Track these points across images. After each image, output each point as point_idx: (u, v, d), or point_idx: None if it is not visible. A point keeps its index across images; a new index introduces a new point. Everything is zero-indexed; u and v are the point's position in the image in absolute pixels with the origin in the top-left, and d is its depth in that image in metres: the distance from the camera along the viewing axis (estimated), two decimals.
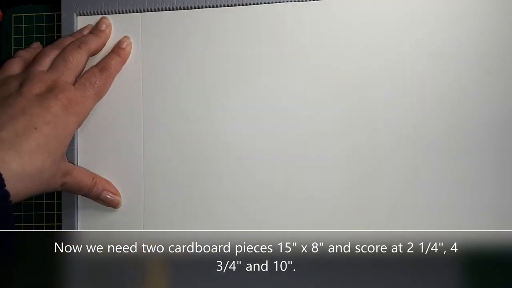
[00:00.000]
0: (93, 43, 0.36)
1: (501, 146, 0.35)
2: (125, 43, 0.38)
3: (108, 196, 0.36)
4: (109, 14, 0.39)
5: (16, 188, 0.27)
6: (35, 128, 0.30)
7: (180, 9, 0.38)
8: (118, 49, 0.37)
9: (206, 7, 0.38)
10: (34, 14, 0.41)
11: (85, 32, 0.38)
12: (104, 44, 0.38)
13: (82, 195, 0.36)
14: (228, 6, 0.38)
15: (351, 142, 0.36)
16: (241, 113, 0.37)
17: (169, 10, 0.38)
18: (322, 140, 0.36)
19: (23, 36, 0.41)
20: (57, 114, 0.31)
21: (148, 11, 0.38)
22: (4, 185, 0.26)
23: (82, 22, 0.39)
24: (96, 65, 0.36)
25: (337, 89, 0.36)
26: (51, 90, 0.32)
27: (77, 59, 0.35)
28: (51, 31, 0.41)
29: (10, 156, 0.28)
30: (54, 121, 0.31)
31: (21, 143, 0.28)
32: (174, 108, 0.37)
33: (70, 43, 0.36)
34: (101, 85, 0.36)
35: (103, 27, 0.38)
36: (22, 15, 0.42)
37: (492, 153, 0.35)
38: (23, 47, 0.41)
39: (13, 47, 0.41)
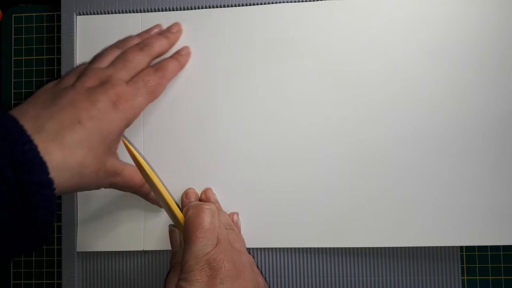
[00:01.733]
0: (157, 46, 0.36)
1: (502, 146, 0.35)
2: (184, 52, 0.37)
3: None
4: (109, 14, 0.39)
5: (57, 179, 0.27)
6: (79, 122, 0.29)
7: (180, 9, 0.38)
8: (177, 55, 0.37)
9: (206, 7, 0.38)
10: (34, 14, 0.42)
11: (153, 31, 0.38)
12: (170, 48, 0.37)
13: (131, 193, 0.35)
14: (228, 6, 0.38)
15: (351, 142, 0.36)
16: (241, 113, 0.37)
17: (169, 10, 0.38)
18: (322, 141, 0.36)
19: (23, 36, 0.41)
20: (103, 110, 0.31)
21: (148, 11, 0.38)
22: (49, 173, 0.26)
23: (81, 22, 0.39)
24: (152, 65, 0.36)
25: (337, 90, 0.36)
26: (103, 84, 0.32)
27: (137, 60, 0.34)
28: (51, 31, 0.41)
29: (52, 147, 0.27)
30: (99, 116, 0.30)
31: (64, 136, 0.28)
32: (174, 107, 0.37)
33: (134, 45, 0.35)
34: (154, 85, 0.34)
35: (174, 29, 0.37)
36: (22, 15, 0.42)
37: (493, 153, 0.35)
38: (23, 47, 0.41)
39: (13, 47, 0.41)
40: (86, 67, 0.34)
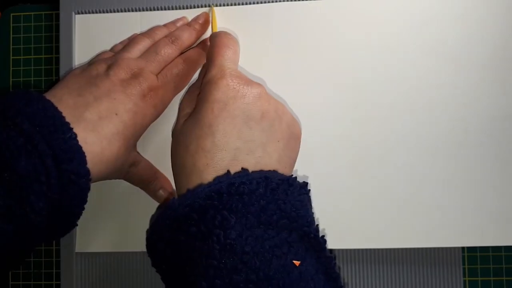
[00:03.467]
0: (186, 39, 0.36)
1: (505, 147, 0.35)
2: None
3: (163, 194, 0.36)
4: (108, 12, 0.38)
5: (92, 170, 0.27)
6: (116, 114, 0.29)
7: (180, 8, 0.38)
8: (204, 44, 0.37)
9: (205, 6, 0.38)
10: (32, 13, 0.41)
11: (179, 23, 0.37)
12: (197, 39, 0.37)
13: (140, 187, 0.36)
14: (227, 5, 0.37)
15: (351, 143, 0.36)
16: None
17: (169, 9, 0.38)
18: (322, 142, 0.36)
19: (22, 35, 0.41)
20: (138, 103, 0.31)
21: (147, 10, 0.38)
22: (86, 163, 0.26)
23: (80, 20, 0.39)
24: (180, 56, 0.35)
25: (337, 91, 0.36)
26: (136, 77, 0.32)
27: (168, 54, 0.34)
28: (49, 30, 0.41)
29: (91, 138, 0.27)
30: (134, 109, 0.30)
31: (103, 127, 0.28)
32: (173, 107, 0.37)
33: (165, 37, 0.35)
34: (182, 77, 0.35)
35: (201, 20, 0.37)
36: (21, 14, 0.41)
37: (496, 154, 0.35)
38: (22, 46, 0.41)
39: (11, 46, 0.41)
40: (117, 56, 0.33)
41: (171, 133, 0.37)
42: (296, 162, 0.36)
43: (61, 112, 0.27)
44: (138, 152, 0.35)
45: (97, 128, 0.28)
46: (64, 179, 0.25)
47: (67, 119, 0.27)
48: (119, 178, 0.33)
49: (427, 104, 0.36)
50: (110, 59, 0.33)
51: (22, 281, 0.40)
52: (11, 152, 0.24)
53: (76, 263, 0.38)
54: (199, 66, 0.37)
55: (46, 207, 0.25)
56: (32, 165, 0.24)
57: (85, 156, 0.26)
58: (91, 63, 0.33)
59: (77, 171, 0.26)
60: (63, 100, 0.28)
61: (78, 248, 0.37)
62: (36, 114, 0.26)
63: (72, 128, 0.26)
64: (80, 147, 0.26)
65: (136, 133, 0.31)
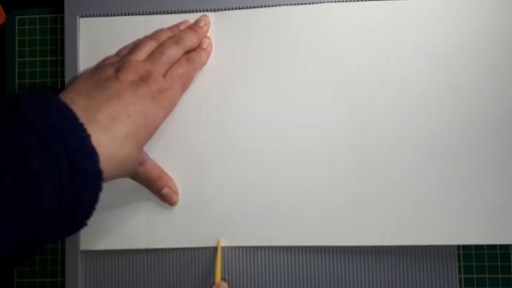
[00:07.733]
0: (189, 41, 0.36)
1: (499, 145, 0.36)
2: (207, 43, 0.38)
3: (168, 193, 0.36)
4: (112, 16, 0.39)
5: (105, 171, 0.27)
6: (128, 116, 0.29)
7: (183, 12, 0.38)
8: (200, 48, 0.38)
9: (208, 10, 0.38)
10: (37, 16, 0.42)
11: (182, 26, 0.38)
12: (199, 41, 0.38)
13: (144, 186, 0.36)
14: (230, 9, 0.38)
15: (349, 143, 0.36)
16: (241, 114, 0.37)
17: (172, 13, 0.39)
18: (322, 141, 0.37)
19: (27, 38, 0.42)
20: (148, 105, 0.31)
21: (150, 14, 0.39)
22: (99, 163, 0.26)
23: (85, 24, 0.39)
24: (183, 56, 0.36)
25: (338, 91, 0.37)
26: (144, 80, 0.32)
27: (173, 54, 0.35)
28: (54, 33, 0.42)
29: (104, 139, 0.28)
30: (145, 111, 0.31)
31: (115, 128, 0.28)
32: (174, 109, 0.37)
33: (168, 38, 0.36)
34: (187, 77, 0.36)
35: (202, 23, 0.38)
36: (26, 18, 0.42)
37: (490, 153, 0.36)
38: (27, 48, 0.42)
39: (16, 49, 0.42)
40: (124, 59, 0.34)
41: (175, 133, 0.37)
42: (296, 162, 0.36)
43: (75, 113, 0.27)
44: (144, 152, 0.35)
45: (109, 129, 0.28)
46: (77, 178, 0.25)
47: (81, 120, 0.27)
48: (126, 177, 0.34)
49: (426, 105, 0.36)
50: (118, 62, 0.33)
51: (27, 279, 0.40)
52: (25, 150, 0.24)
53: (81, 261, 0.38)
54: (202, 65, 0.37)
55: (57, 206, 0.25)
56: (45, 163, 0.24)
57: (98, 156, 0.26)
58: (99, 67, 0.33)
59: (90, 170, 0.26)
60: (75, 102, 0.28)
61: (82, 246, 0.38)
62: (50, 114, 0.26)
63: (86, 129, 0.26)
64: (94, 147, 0.26)
65: (148, 135, 0.32)
